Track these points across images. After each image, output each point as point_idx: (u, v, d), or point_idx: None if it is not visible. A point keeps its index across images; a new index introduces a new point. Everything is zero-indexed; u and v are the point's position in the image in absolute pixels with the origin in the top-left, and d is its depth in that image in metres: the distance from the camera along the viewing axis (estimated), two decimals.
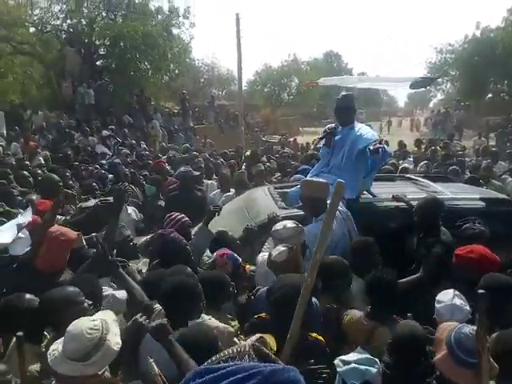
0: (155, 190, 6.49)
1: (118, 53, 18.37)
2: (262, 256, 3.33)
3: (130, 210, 5.77)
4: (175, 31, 20.50)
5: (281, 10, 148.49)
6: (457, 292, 2.67)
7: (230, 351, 1.14)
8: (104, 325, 2.04)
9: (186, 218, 3.81)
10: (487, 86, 23.07)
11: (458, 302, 2.61)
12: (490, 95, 23.84)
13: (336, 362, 2.08)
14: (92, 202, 4.65)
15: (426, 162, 7.86)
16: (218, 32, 50.12)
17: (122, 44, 18.20)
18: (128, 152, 10.78)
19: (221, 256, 3.22)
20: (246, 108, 27.74)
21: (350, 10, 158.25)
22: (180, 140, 15.98)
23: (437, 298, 2.71)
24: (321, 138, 4.50)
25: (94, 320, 2.07)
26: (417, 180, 5.04)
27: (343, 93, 4.54)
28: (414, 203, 4.01)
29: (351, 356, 2.09)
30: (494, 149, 9.77)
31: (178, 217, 3.78)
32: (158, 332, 2.11)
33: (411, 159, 8.66)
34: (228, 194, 5.88)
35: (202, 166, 7.62)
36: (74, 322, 2.05)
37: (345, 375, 2.01)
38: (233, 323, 2.79)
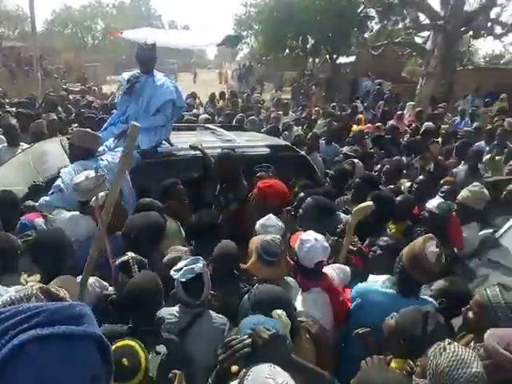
0: None
1: None
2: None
3: None
4: None
5: None
6: None
7: (15, 295, 1.07)
8: None
9: None
10: (285, 41, 24.81)
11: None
12: (287, 51, 25.78)
13: (171, 273, 2.39)
14: None
15: (227, 112, 8.29)
16: None
17: None
18: None
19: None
20: (44, 51, 24.69)
21: None
22: None
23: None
24: (128, 88, 4.31)
25: None
26: (215, 130, 5.31)
27: (146, 41, 4.38)
28: (209, 151, 4.24)
29: (180, 264, 2.43)
30: (285, 101, 10.83)
31: None
32: None
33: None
34: (27, 147, 5.19)
35: None
36: None
37: (181, 277, 2.34)
38: None
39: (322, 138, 6.56)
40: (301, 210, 3.42)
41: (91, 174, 3.24)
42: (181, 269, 2.39)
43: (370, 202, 3.32)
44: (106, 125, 4.55)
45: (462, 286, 2.70)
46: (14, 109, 8.03)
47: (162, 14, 58.05)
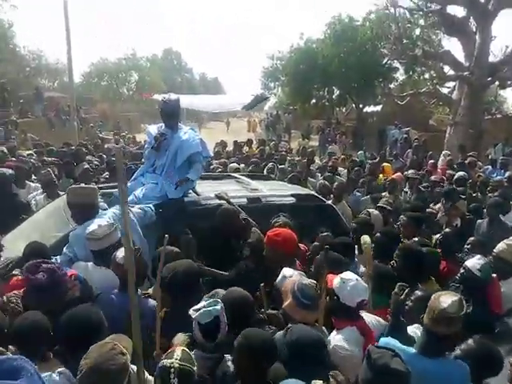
0: None
1: None
2: None
3: None
4: None
5: (116, 3, 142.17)
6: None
7: None
8: None
9: None
10: (311, 92, 25.47)
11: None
12: (313, 101, 26.43)
13: (190, 312, 2.43)
14: None
15: (254, 160, 8.44)
16: (45, 18, 45.84)
17: None
18: None
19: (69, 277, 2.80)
20: (81, 101, 25.94)
21: (182, 10, 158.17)
22: None
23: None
24: (153, 146, 4.42)
25: None
26: (239, 178, 5.37)
27: (170, 96, 4.52)
28: (235, 201, 4.26)
29: (199, 305, 2.45)
30: (310, 149, 10.91)
31: None
32: None
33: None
34: (39, 196, 5.37)
35: (27, 167, 6.75)
36: None
37: (199, 318, 2.39)
38: None
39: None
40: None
41: (103, 222, 3.28)
42: (199, 309, 2.41)
43: (365, 236, 3.60)
44: (134, 175, 4.66)
45: (493, 348, 2.52)
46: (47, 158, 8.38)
47: (193, 66, 60.43)
